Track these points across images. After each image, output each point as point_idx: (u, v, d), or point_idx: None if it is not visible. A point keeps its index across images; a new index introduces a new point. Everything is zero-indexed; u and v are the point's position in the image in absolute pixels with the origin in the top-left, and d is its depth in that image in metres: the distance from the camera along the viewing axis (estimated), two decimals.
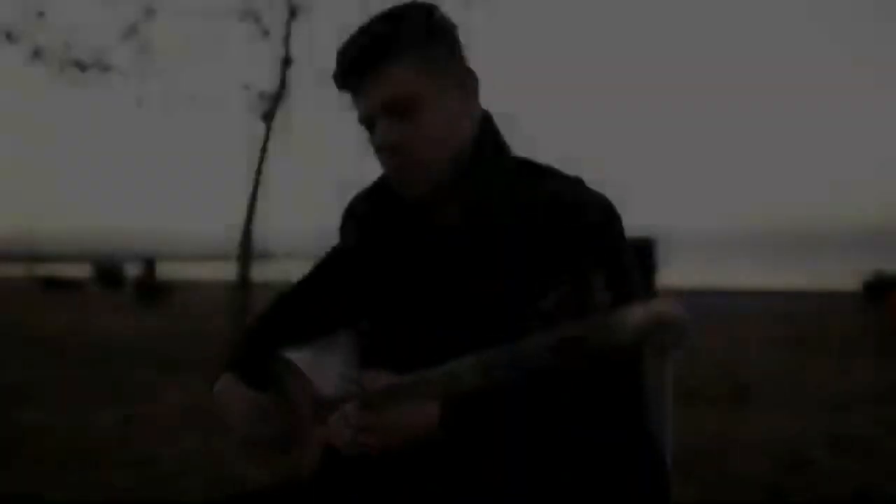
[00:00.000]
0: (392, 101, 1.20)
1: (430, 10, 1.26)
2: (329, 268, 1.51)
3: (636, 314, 0.69)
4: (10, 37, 9.15)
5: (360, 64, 1.21)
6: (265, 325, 1.54)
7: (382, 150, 1.24)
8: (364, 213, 1.42)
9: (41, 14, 9.21)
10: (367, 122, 1.25)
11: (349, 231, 1.46)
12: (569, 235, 1.19)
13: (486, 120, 1.31)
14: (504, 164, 1.29)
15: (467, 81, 1.28)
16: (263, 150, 10.43)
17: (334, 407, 1.26)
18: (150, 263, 26.86)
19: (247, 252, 10.73)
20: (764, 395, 6.13)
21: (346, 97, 1.28)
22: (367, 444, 1.15)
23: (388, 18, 1.22)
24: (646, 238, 4.93)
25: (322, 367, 1.35)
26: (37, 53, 9.30)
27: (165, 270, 30.50)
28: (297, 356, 1.39)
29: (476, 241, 1.25)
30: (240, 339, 1.53)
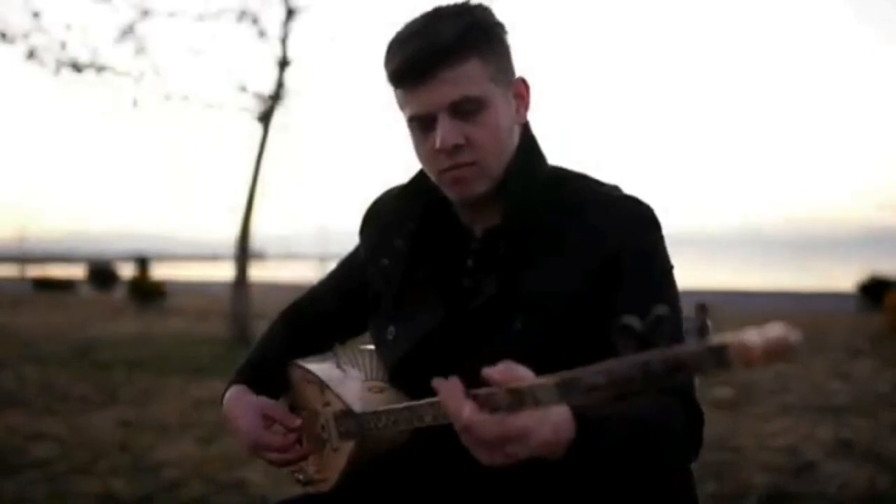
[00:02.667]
0: (462, 101, 1.18)
1: (492, 14, 1.24)
2: (349, 272, 1.48)
3: (755, 342, 0.65)
4: (5, 37, 9.09)
5: (428, 61, 1.17)
6: (279, 332, 1.51)
7: (443, 149, 1.19)
8: (396, 216, 1.38)
9: (36, 14, 9.15)
10: (425, 119, 1.21)
11: (373, 234, 1.42)
12: (619, 234, 1.20)
13: (526, 127, 1.30)
14: (544, 170, 1.29)
15: (522, 90, 1.28)
16: (261, 151, 10.40)
17: (366, 421, 1.23)
18: (144, 264, 26.81)
19: (244, 253, 10.69)
20: (765, 398, 6.11)
21: (397, 93, 1.23)
22: (506, 456, 0.91)
23: (458, 16, 1.20)
24: None
25: (345, 376, 1.32)
26: (32, 54, 9.24)
27: (160, 271, 30.45)
28: (317, 366, 1.35)
29: (519, 242, 1.23)
30: (253, 348, 1.50)
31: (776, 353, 0.65)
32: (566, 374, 0.81)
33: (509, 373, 0.87)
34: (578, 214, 1.22)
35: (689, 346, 0.69)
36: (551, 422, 0.93)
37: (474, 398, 0.90)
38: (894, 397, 6.11)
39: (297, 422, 1.34)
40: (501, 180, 1.24)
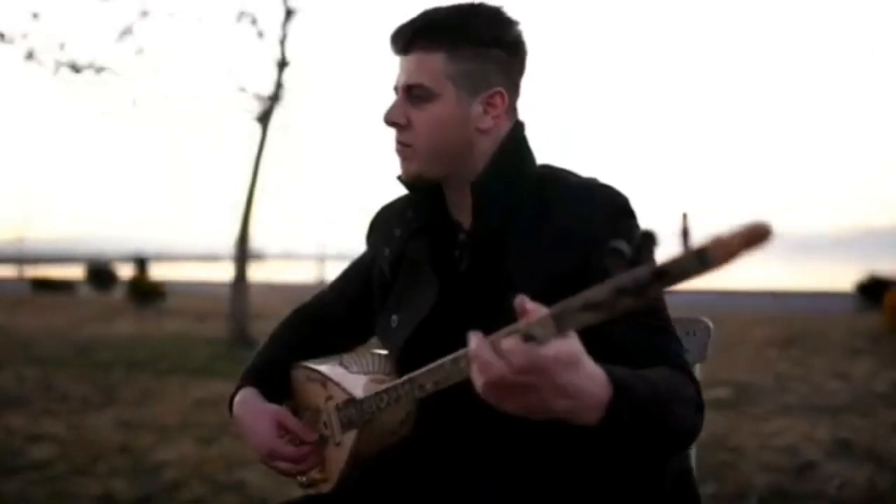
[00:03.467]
0: (414, 86, 1.27)
1: (499, 26, 1.28)
2: (356, 277, 1.51)
3: (731, 232, 0.69)
4: (3, 37, 9.09)
5: (405, 37, 1.28)
6: (286, 336, 1.53)
7: (387, 124, 1.30)
8: (397, 211, 1.43)
9: (35, 15, 9.15)
10: (395, 91, 1.32)
11: (378, 234, 1.47)
12: (595, 215, 1.22)
13: (514, 130, 1.32)
14: (528, 168, 1.32)
15: (497, 101, 1.29)
16: (259, 151, 10.40)
17: (368, 404, 1.23)
18: (143, 264, 26.80)
19: (243, 253, 10.69)
20: (764, 398, 6.12)
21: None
22: (529, 385, 0.88)
23: (458, 10, 1.28)
24: None
25: (349, 371, 1.33)
26: (31, 54, 9.24)
27: (159, 271, 30.44)
28: (321, 365, 1.36)
29: (500, 230, 1.27)
30: (259, 351, 1.51)
31: (754, 238, 0.67)
32: (558, 305, 0.84)
33: (540, 308, 0.87)
34: (558, 204, 1.25)
35: (673, 254, 0.74)
36: (587, 368, 0.91)
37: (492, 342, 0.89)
38: (893, 397, 6.12)
39: (314, 436, 1.34)
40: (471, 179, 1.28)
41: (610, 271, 0.78)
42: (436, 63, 1.25)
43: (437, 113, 1.26)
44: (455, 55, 1.25)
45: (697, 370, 1.53)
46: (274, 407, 1.38)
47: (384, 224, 1.46)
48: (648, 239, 0.76)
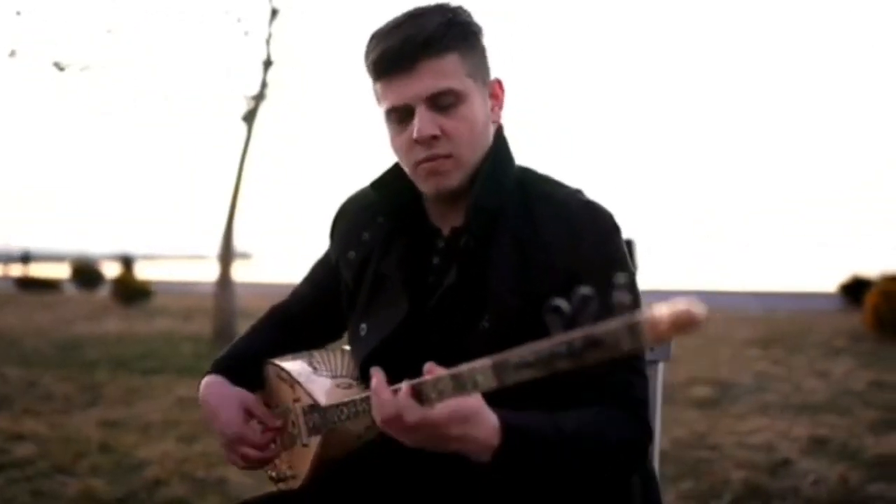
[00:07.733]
0: (440, 93, 1.21)
1: (471, 16, 1.27)
2: (324, 274, 1.49)
3: (662, 315, 0.71)
4: None
5: (409, 52, 1.19)
6: (262, 331, 1.53)
7: (420, 141, 1.22)
8: (365, 211, 1.40)
9: (19, 13, 9.12)
10: (402, 111, 1.23)
11: (342, 230, 1.44)
12: (580, 241, 1.22)
13: (499, 130, 1.32)
14: (512, 172, 1.31)
15: (497, 91, 1.31)
16: (245, 151, 10.40)
17: (331, 414, 1.25)
18: (129, 263, 26.67)
19: (228, 252, 10.68)
20: (744, 397, 6.18)
21: (376, 86, 1.26)
22: (424, 444, 1.02)
23: (440, 12, 1.23)
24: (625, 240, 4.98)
25: (316, 373, 1.35)
26: (13, 53, 9.20)
27: (145, 270, 30.28)
28: (290, 363, 1.38)
29: (482, 240, 1.25)
30: (234, 343, 1.52)
31: (682, 325, 0.70)
32: (499, 355, 0.88)
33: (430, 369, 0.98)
34: (542, 220, 1.24)
35: (608, 324, 0.75)
36: (482, 420, 1.01)
37: (411, 388, 0.99)
38: (869, 395, 6.19)
39: (278, 422, 1.36)
40: (471, 179, 1.26)
41: (548, 329, 0.80)
42: (454, 64, 1.21)
43: (469, 114, 1.23)
44: (463, 52, 1.22)
45: (661, 370, 1.56)
46: (242, 392, 1.38)
47: (349, 223, 1.42)
48: (587, 301, 0.76)
